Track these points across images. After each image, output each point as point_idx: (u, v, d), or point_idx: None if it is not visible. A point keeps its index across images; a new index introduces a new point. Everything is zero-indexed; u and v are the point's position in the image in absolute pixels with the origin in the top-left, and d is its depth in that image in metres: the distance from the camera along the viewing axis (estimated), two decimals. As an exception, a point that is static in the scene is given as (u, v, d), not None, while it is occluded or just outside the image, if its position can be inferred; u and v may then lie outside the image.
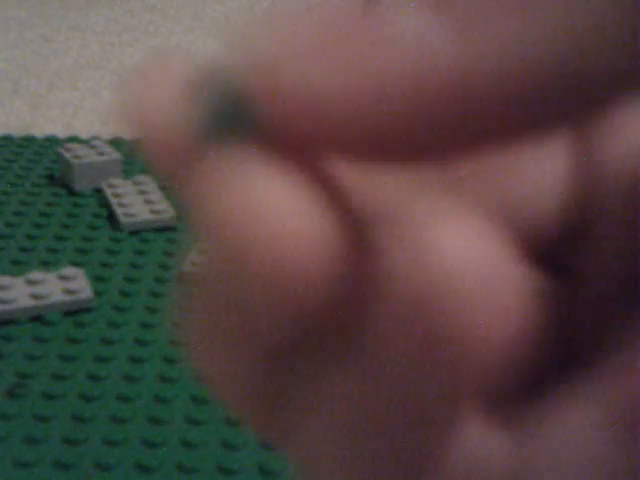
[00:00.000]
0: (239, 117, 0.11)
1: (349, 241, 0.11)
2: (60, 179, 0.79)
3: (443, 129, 0.10)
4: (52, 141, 0.88)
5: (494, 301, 0.10)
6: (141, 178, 0.76)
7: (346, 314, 0.11)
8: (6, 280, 0.60)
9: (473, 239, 0.10)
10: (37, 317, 0.59)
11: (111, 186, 0.75)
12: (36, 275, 0.61)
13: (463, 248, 0.10)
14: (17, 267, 0.65)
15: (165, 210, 0.72)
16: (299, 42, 0.10)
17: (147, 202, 0.73)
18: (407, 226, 0.10)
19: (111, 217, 0.73)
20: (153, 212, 0.72)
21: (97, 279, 0.64)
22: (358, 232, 0.11)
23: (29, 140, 0.88)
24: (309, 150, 0.11)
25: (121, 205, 0.73)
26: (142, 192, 0.74)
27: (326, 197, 0.11)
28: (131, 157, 0.84)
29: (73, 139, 0.88)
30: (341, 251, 0.11)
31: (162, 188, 0.76)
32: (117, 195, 0.74)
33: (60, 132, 0.91)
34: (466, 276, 0.10)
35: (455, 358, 0.10)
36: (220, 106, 0.11)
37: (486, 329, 0.10)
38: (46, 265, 0.66)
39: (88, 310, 0.60)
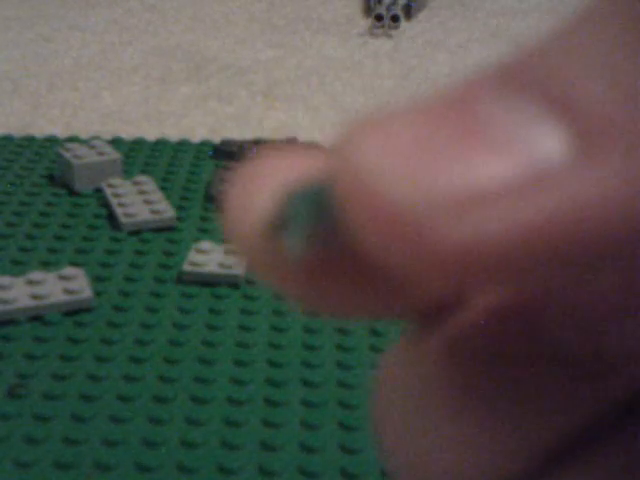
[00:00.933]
0: (322, 219, 0.10)
1: None
2: (60, 179, 0.79)
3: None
4: (52, 141, 0.88)
5: None
6: (141, 178, 0.76)
7: None
8: (6, 280, 0.60)
9: None
10: (37, 317, 0.59)
11: (111, 186, 0.75)
12: (36, 275, 0.61)
13: None
14: (17, 267, 0.65)
15: (165, 210, 0.72)
16: (393, 151, 0.09)
17: (147, 202, 0.73)
18: None
19: (111, 217, 0.73)
20: (153, 212, 0.72)
21: (97, 279, 0.64)
22: None
23: (29, 140, 0.88)
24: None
25: (121, 205, 0.73)
26: (142, 192, 0.74)
27: None
28: (131, 157, 0.84)
29: (73, 139, 0.88)
30: None
31: (162, 188, 0.76)
32: (117, 195, 0.74)
33: (60, 132, 0.91)
34: None
35: None
36: (306, 207, 0.10)
37: None
38: (46, 265, 0.66)
39: (88, 310, 0.60)
